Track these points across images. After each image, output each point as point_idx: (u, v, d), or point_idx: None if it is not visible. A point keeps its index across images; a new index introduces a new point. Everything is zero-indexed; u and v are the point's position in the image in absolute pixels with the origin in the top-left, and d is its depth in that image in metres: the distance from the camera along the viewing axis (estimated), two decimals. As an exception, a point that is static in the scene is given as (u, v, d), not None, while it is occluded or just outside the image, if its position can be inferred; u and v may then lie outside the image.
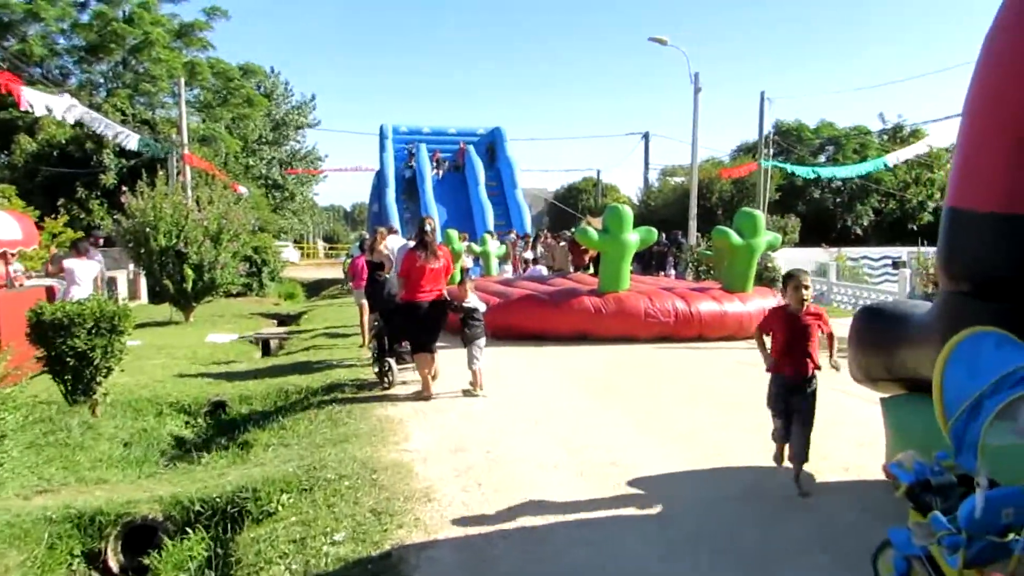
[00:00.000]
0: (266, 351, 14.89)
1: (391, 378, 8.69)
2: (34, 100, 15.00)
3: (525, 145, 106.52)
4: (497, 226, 26.13)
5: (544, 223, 44.45)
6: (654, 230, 13.09)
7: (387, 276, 9.23)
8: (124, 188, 17.65)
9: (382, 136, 33.68)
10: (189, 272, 16.86)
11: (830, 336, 5.20)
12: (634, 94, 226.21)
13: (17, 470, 6.47)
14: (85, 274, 11.56)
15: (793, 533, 4.43)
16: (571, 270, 16.70)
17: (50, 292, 10.83)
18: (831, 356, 5.13)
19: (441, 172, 32.95)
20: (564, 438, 6.47)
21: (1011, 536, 2.81)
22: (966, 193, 4.00)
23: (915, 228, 39.58)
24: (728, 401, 7.75)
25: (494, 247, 19.88)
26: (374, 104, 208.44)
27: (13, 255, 11.28)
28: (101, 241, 15.52)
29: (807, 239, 32.40)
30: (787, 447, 5.16)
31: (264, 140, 45.88)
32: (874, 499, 4.85)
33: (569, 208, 44.20)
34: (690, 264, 20.45)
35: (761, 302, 12.60)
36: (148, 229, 16.63)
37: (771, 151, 29.34)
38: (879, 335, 5.15)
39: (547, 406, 7.69)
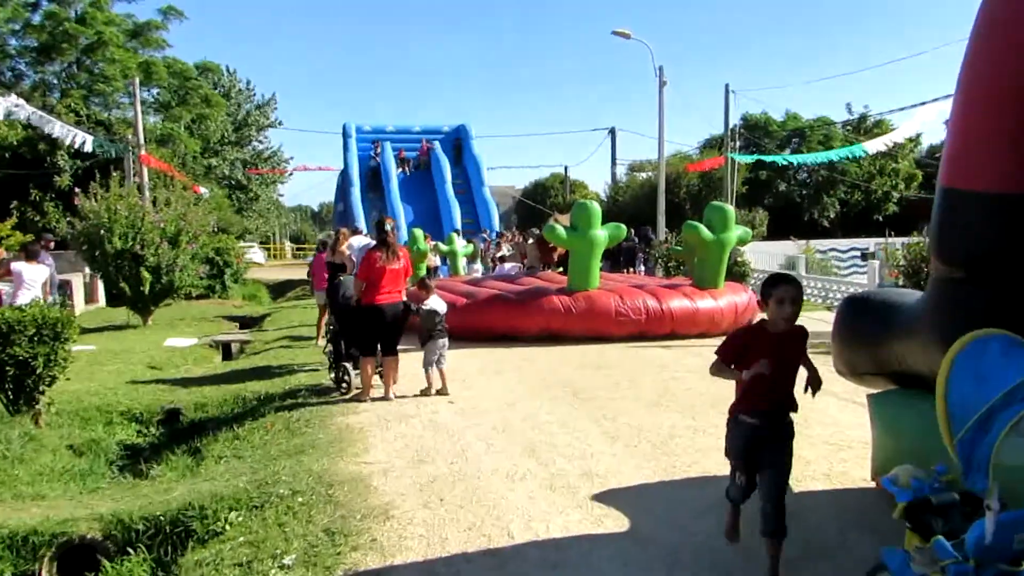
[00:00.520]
0: (227, 355, 14.50)
1: (348, 383, 8.40)
2: (-22, 101, 14.46)
3: (491, 142, 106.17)
4: (465, 224, 25.82)
5: (512, 220, 44.22)
6: (623, 226, 12.88)
7: (342, 278, 8.89)
8: (77, 190, 17.11)
9: (345, 135, 33.28)
10: (146, 275, 16.38)
11: (810, 369, 3.75)
12: (600, 90, 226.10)
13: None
14: (33, 278, 11.05)
15: (777, 548, 4.13)
16: (540, 268, 16.44)
17: (-6, 297, 10.35)
18: (811, 391, 3.71)
19: (409, 170, 32.57)
20: (533, 447, 6.15)
21: (1024, 565, 2.52)
22: (962, 172, 3.72)
23: (880, 219, 39.93)
24: (703, 403, 7.48)
25: (461, 246, 19.58)
26: (338, 103, 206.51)
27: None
28: (52, 244, 15.00)
29: (774, 232, 32.44)
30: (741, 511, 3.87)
31: (226, 141, 45.25)
32: (861, 510, 4.58)
33: (538, 205, 43.98)
34: (660, 260, 20.25)
35: (733, 298, 12.43)
36: (102, 231, 16.12)
37: (738, 144, 29.28)
38: (866, 326, 4.82)
39: (515, 411, 7.38)
